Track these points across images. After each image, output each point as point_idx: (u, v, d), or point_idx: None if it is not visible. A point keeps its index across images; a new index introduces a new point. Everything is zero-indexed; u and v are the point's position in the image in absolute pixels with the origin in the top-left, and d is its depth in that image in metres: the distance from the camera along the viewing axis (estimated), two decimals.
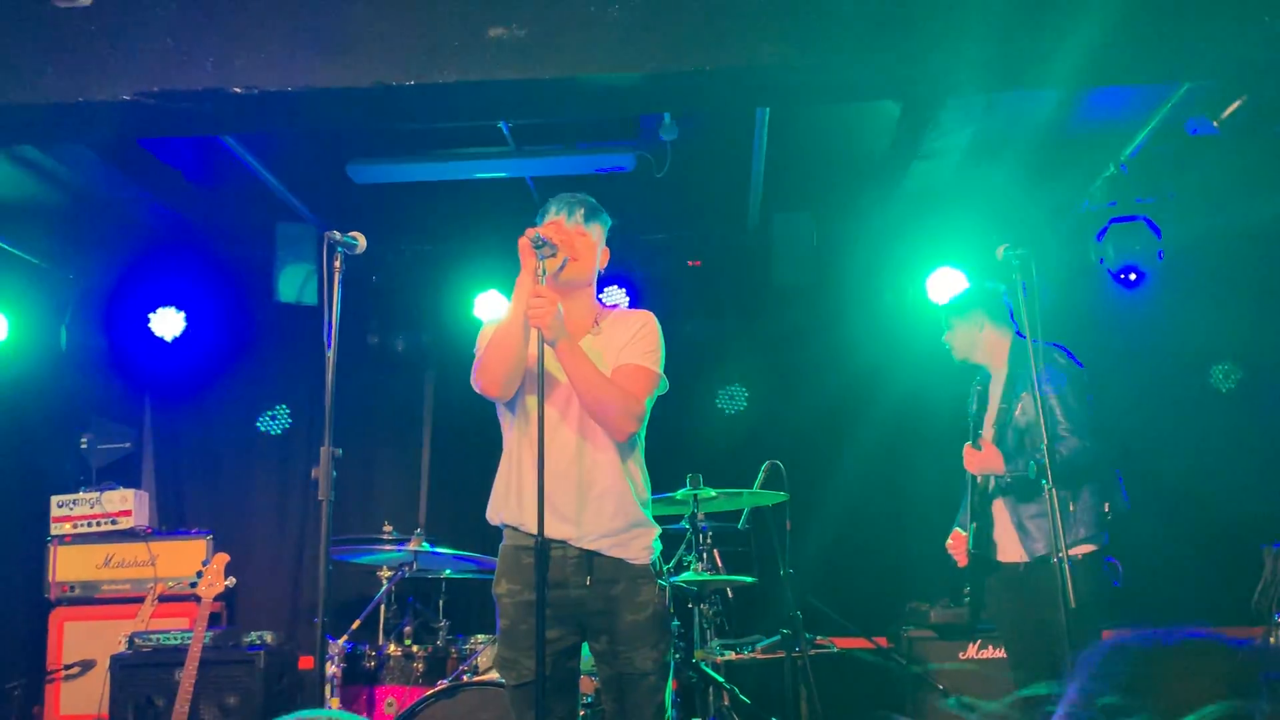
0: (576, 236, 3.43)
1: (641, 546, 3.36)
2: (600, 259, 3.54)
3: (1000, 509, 4.55)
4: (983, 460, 4.47)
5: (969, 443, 4.53)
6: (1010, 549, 4.50)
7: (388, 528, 5.59)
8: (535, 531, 3.09)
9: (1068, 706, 1.26)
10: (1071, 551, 4.32)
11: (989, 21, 3.73)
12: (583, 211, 3.48)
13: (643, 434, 3.47)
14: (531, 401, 3.26)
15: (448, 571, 5.45)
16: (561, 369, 3.30)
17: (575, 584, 3.29)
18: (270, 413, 7.03)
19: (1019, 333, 4.68)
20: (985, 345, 4.74)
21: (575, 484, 3.31)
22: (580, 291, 3.50)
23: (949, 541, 4.75)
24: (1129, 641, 1.29)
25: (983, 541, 4.57)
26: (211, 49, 3.82)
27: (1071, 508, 4.35)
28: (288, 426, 7.00)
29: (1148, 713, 1.19)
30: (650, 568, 3.37)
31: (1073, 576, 4.16)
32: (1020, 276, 3.94)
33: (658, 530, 3.45)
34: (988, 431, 4.62)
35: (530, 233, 3.28)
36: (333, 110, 4.07)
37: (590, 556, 3.31)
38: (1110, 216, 6.05)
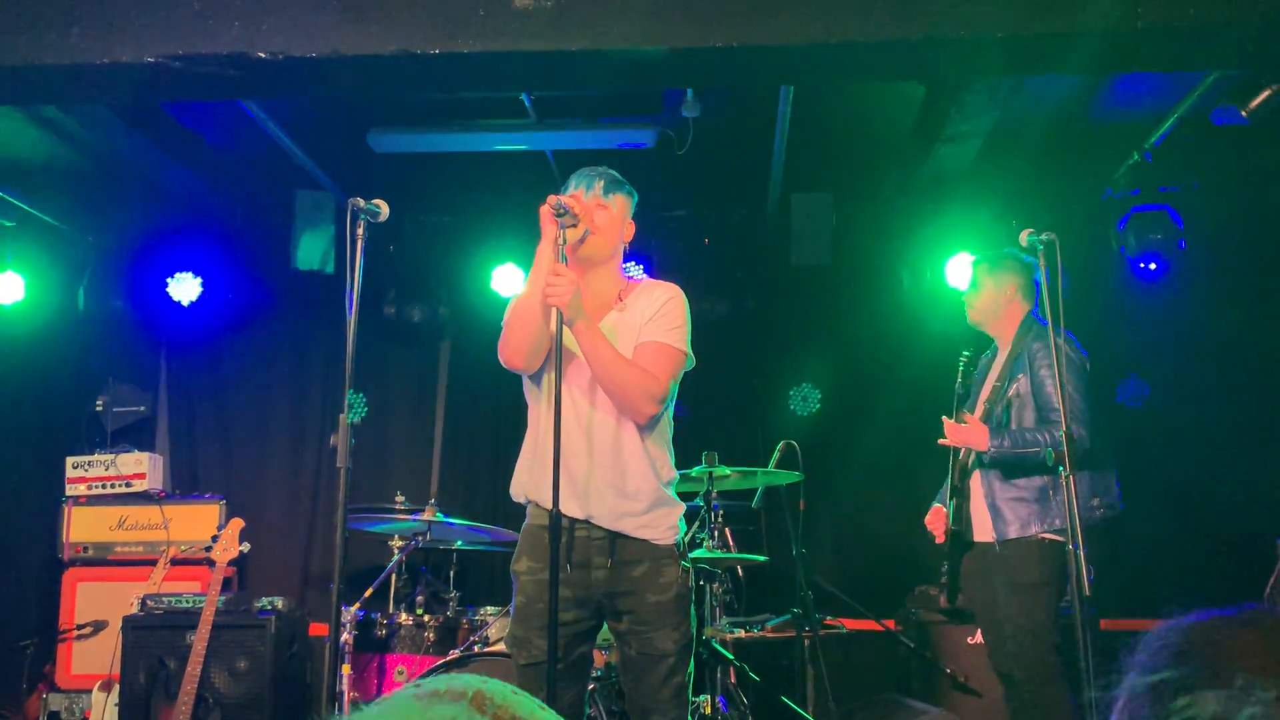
0: (596, 209, 3.35)
1: (667, 526, 3.30)
2: (625, 232, 3.47)
3: (976, 487, 4.53)
4: (963, 435, 4.44)
5: (949, 416, 4.51)
6: (983, 528, 4.48)
7: (400, 497, 5.59)
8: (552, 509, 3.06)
9: (1128, 685, 1.25)
10: (1041, 535, 4.33)
11: (1015, 2, 3.70)
12: (602, 184, 3.39)
13: (670, 413, 3.41)
14: (553, 378, 3.20)
15: (459, 543, 5.46)
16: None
17: (598, 565, 3.24)
18: (284, 380, 7.03)
19: (1036, 314, 4.65)
20: (1007, 316, 4.68)
21: (598, 463, 3.25)
22: (602, 266, 3.43)
23: (928, 517, 4.73)
24: (1187, 618, 1.28)
25: (962, 519, 4.55)
26: (237, 12, 3.79)
27: (1052, 495, 4.33)
28: (301, 394, 7.00)
29: (1205, 681, 1.18)
30: (675, 548, 3.30)
31: (1028, 557, 4.21)
32: (1044, 262, 3.91)
33: (682, 509, 3.38)
34: (979, 408, 4.58)
35: (552, 200, 3.20)
36: (356, 77, 4.04)
37: (614, 537, 3.25)
38: (1132, 205, 6.01)
